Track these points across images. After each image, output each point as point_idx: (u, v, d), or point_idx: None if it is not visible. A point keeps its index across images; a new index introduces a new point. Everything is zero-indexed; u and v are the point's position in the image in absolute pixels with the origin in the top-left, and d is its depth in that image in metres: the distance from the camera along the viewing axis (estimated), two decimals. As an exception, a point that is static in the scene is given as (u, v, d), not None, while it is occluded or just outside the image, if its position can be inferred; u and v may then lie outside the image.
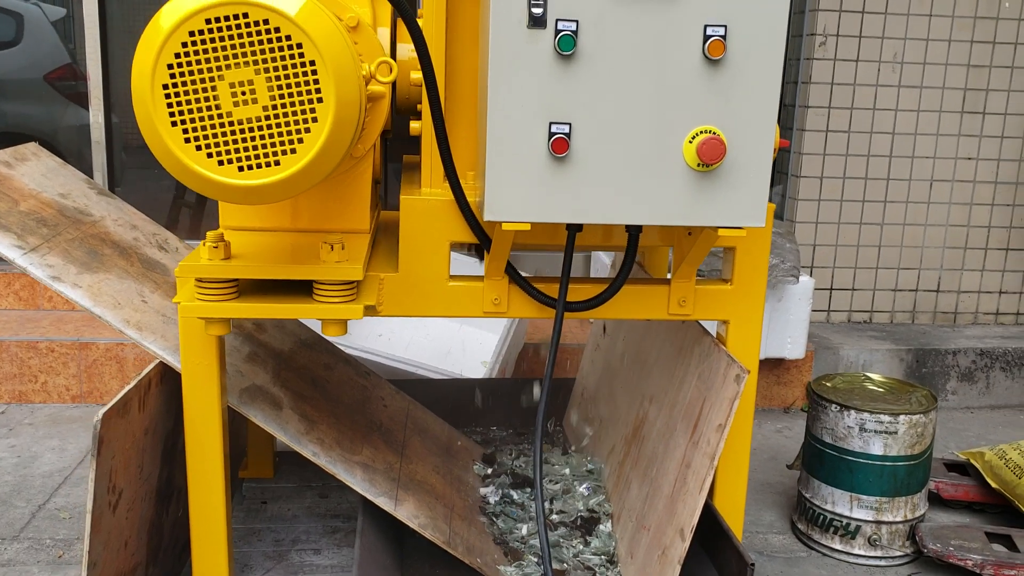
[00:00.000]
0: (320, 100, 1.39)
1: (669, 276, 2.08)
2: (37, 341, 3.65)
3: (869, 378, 2.96)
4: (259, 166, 1.41)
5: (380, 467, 2.28)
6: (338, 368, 2.63)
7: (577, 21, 1.63)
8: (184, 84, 1.37)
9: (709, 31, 1.65)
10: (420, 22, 1.95)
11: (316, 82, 1.39)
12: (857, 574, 2.69)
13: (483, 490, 2.59)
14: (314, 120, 1.40)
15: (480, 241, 1.97)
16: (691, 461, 2.04)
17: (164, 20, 1.36)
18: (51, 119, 5.54)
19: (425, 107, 1.96)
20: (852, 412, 2.69)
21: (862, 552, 2.74)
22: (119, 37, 4.77)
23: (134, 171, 4.71)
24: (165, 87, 1.37)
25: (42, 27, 5.91)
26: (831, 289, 4.26)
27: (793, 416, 3.88)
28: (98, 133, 4.48)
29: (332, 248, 1.72)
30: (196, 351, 1.93)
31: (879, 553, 2.73)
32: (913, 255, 4.27)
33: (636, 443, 2.45)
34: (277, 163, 1.41)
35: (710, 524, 2.09)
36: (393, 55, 2.11)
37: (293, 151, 1.41)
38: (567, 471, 2.72)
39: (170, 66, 1.36)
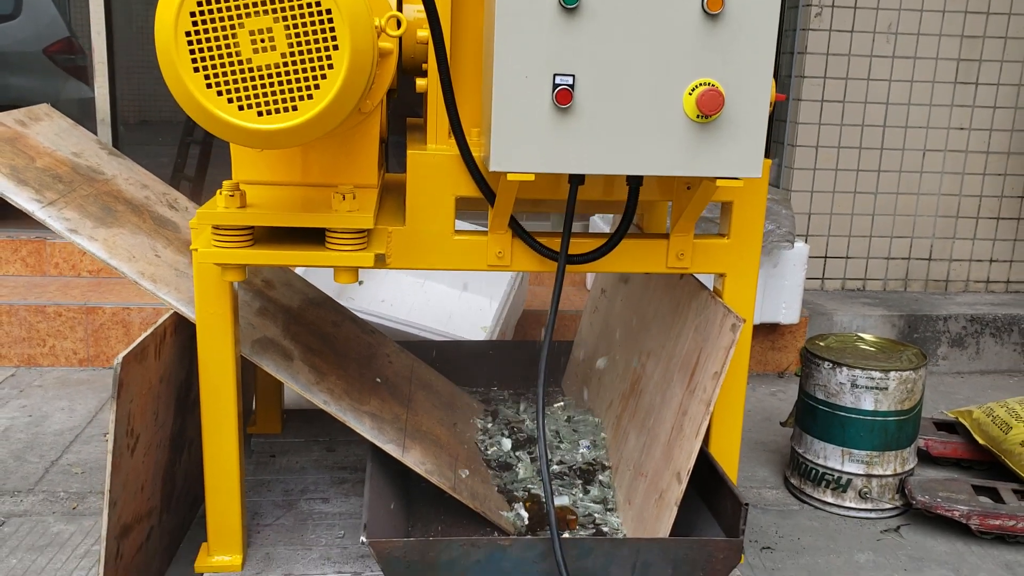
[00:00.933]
0: (336, 48, 1.45)
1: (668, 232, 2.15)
2: (45, 305, 3.71)
3: (862, 338, 3.04)
4: (277, 111, 1.47)
5: (387, 417, 2.35)
6: (345, 325, 2.70)
7: (581, -24, 1.69)
8: (206, 32, 1.43)
9: (707, -14, 1.71)
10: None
11: (332, 30, 1.45)
12: (848, 525, 2.78)
13: (485, 441, 2.66)
14: (330, 67, 1.46)
15: (484, 195, 2.03)
16: (687, 409, 2.12)
17: (185, -30, 1.42)
18: (50, 93, 5.57)
19: (431, 64, 2.02)
20: (844, 368, 2.77)
21: (853, 505, 2.83)
22: (123, 9, 4.80)
23: (131, 147, 4.74)
24: (188, 34, 1.43)
25: (41, 0, 5.93)
26: (825, 257, 4.34)
27: (787, 380, 3.96)
28: (103, 105, 4.51)
29: (344, 198, 1.78)
30: (211, 300, 1.99)
31: (869, 506, 2.82)
32: (906, 223, 4.35)
33: (634, 397, 2.52)
34: (295, 108, 1.47)
35: (706, 472, 2.16)
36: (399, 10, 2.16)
37: (310, 96, 1.47)
38: (567, 426, 2.80)
39: (192, 14, 1.42)
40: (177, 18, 1.42)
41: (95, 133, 4.39)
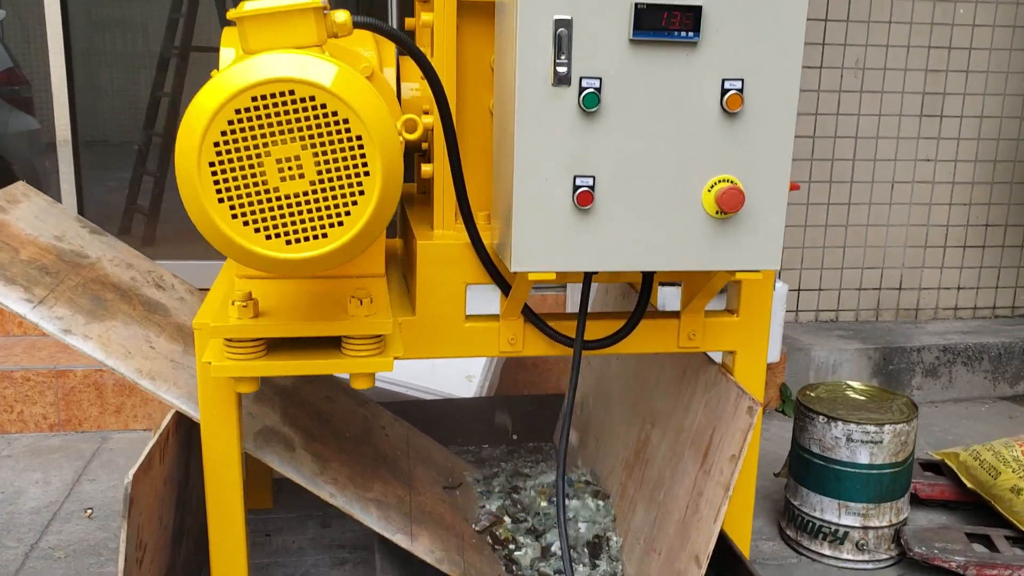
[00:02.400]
0: (367, 173, 1.41)
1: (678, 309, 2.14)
2: (12, 371, 3.58)
3: (850, 386, 3.07)
4: (306, 239, 1.42)
5: (392, 502, 2.30)
6: (339, 400, 2.64)
7: (600, 78, 1.67)
8: (231, 161, 1.37)
9: (727, 85, 1.70)
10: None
11: (363, 156, 1.40)
12: (844, 577, 2.81)
13: (487, 511, 2.63)
14: (361, 193, 1.41)
15: (497, 284, 2.00)
16: (703, 489, 2.11)
17: (209, 98, 1.36)
18: (-6, 126, 5.38)
19: (439, 150, 1.98)
20: (839, 423, 2.79)
21: (850, 556, 2.85)
22: (81, 30, 4.64)
23: (89, 170, 4.60)
24: (211, 164, 1.37)
25: (-17, 32, 5.74)
26: (799, 290, 4.38)
27: (769, 416, 3.99)
28: (63, 126, 4.26)
29: (361, 302, 1.74)
30: (215, 402, 1.93)
31: (866, 557, 2.84)
32: (876, 254, 4.41)
33: (639, 465, 2.51)
34: (324, 236, 1.42)
35: (721, 549, 2.15)
36: (398, 94, 2.12)
37: (340, 223, 1.42)
38: (569, 490, 2.78)
39: (216, 144, 1.36)
40: (200, 148, 1.36)
41: (56, 156, 4.21)
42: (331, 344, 1.79)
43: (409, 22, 2.52)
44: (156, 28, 5.52)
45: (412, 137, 1.68)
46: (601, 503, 2.65)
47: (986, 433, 3.84)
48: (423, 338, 2.02)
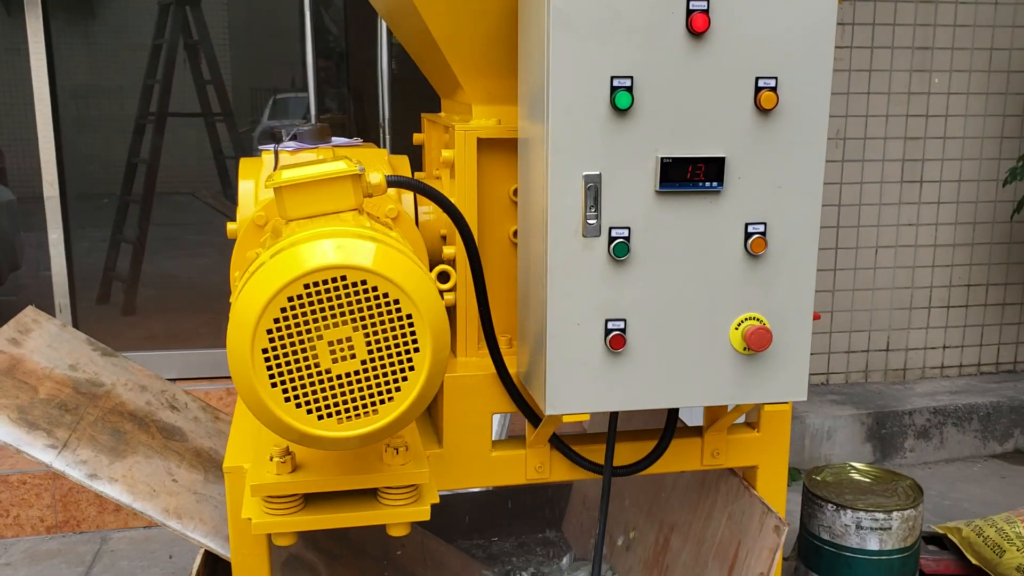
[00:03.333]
0: (417, 349, 1.43)
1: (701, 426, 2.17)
2: (7, 475, 3.52)
3: (854, 467, 3.11)
4: (357, 416, 1.43)
5: (418, 621, 2.30)
6: (356, 511, 2.63)
7: (629, 228, 1.71)
8: (283, 347, 1.38)
9: (751, 229, 1.75)
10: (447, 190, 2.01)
11: (413, 333, 1.42)
12: (861, 663, 2.83)
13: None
14: (411, 368, 1.43)
15: (524, 414, 2.02)
16: (730, 603, 2.13)
17: (262, 288, 1.37)
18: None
19: (461, 279, 2.01)
20: (848, 511, 2.83)
21: (864, 641, 2.88)
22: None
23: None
24: (264, 351, 1.38)
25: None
26: (791, 356, 4.43)
27: (768, 487, 4.02)
28: (51, 191, 4.16)
29: (397, 451, 1.75)
30: (247, 544, 1.92)
31: (880, 641, 2.87)
32: (863, 318, 4.49)
33: (659, 570, 2.53)
34: (375, 411, 1.44)
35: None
36: (415, 218, 2.15)
37: (391, 399, 1.44)
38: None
39: (269, 331, 1.38)
40: (254, 336, 1.37)
41: (43, 206, 4.09)
42: (367, 493, 1.80)
43: (417, 137, 2.56)
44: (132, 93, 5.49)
45: (446, 287, 1.70)
46: (620, 605, 2.66)
47: (981, 495, 3.91)
48: (451, 469, 2.03)
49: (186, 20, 5.23)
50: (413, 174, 2.22)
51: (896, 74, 4.29)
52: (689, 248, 1.74)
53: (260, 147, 2.20)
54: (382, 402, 1.44)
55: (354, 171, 1.60)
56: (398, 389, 1.44)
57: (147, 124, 5.21)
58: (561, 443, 2.06)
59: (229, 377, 3.89)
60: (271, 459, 1.72)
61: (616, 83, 1.65)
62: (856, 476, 3.07)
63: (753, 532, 2.11)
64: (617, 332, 1.74)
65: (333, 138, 2.24)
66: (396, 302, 1.41)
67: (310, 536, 2.33)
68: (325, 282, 1.39)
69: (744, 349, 1.79)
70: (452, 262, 2.06)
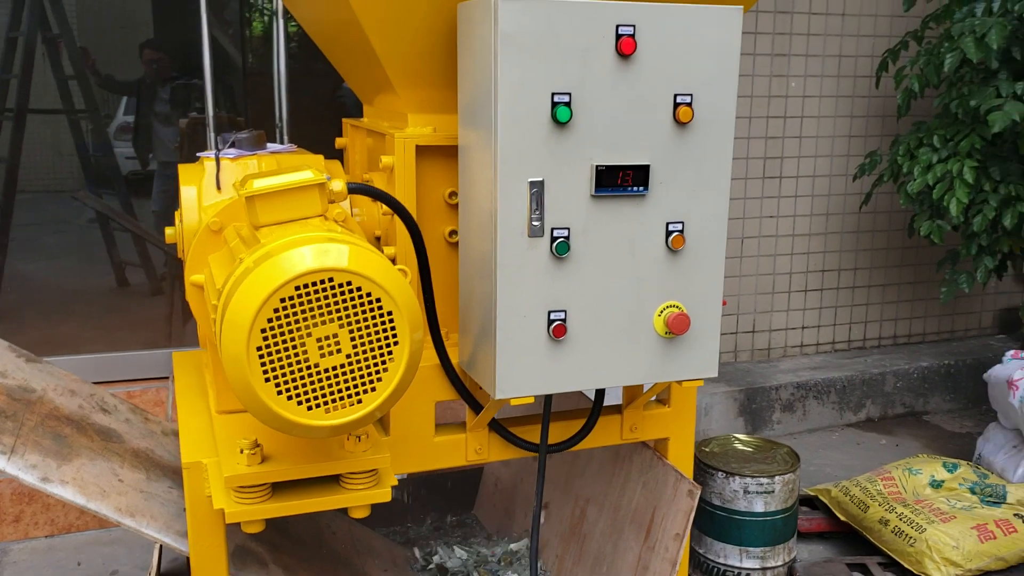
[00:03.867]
0: (396, 343, 1.57)
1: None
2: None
3: (737, 439, 3.43)
4: (344, 406, 1.56)
5: (360, 602, 2.43)
6: (287, 502, 2.73)
7: (568, 228, 1.90)
8: (276, 345, 1.50)
9: (671, 227, 1.98)
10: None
11: (393, 328, 1.56)
12: (750, 614, 3.15)
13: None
14: (391, 360, 1.58)
15: (467, 403, 2.18)
16: (648, 564, 2.37)
17: (256, 289, 1.48)
18: None
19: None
20: (737, 478, 3.14)
21: (752, 595, 3.20)
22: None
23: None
24: (259, 349, 1.49)
25: None
26: (670, 341, 4.76)
27: (654, 463, 4.33)
28: None
29: (359, 439, 1.88)
30: (206, 536, 2.01)
31: (766, 594, 3.20)
32: (731, 303, 4.87)
33: (576, 540, 2.75)
34: (359, 401, 1.57)
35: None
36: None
37: (373, 389, 1.58)
38: (499, 557, 2.98)
39: (263, 331, 1.49)
40: (249, 335, 1.48)
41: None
42: (330, 479, 1.92)
43: (339, 141, 2.68)
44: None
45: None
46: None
47: (840, 460, 4.34)
48: (397, 455, 2.17)
49: (43, 13, 5.05)
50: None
51: (757, 79, 4.66)
52: (619, 245, 1.95)
53: (199, 154, 2.27)
54: (365, 392, 1.58)
55: (321, 180, 1.73)
56: (380, 379, 1.58)
57: (3, 121, 5.01)
58: (500, 426, 2.24)
59: (129, 380, 3.87)
60: (241, 452, 1.83)
61: (556, 99, 1.84)
62: (739, 446, 3.39)
63: (668, 497, 2.35)
64: (559, 322, 1.93)
65: (268, 144, 2.33)
66: (378, 300, 1.55)
67: (251, 528, 2.41)
68: (314, 284, 1.51)
69: (666, 333, 2.02)
70: (392, 260, 2.20)
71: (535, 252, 1.90)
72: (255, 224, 1.70)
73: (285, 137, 3.89)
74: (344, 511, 2.94)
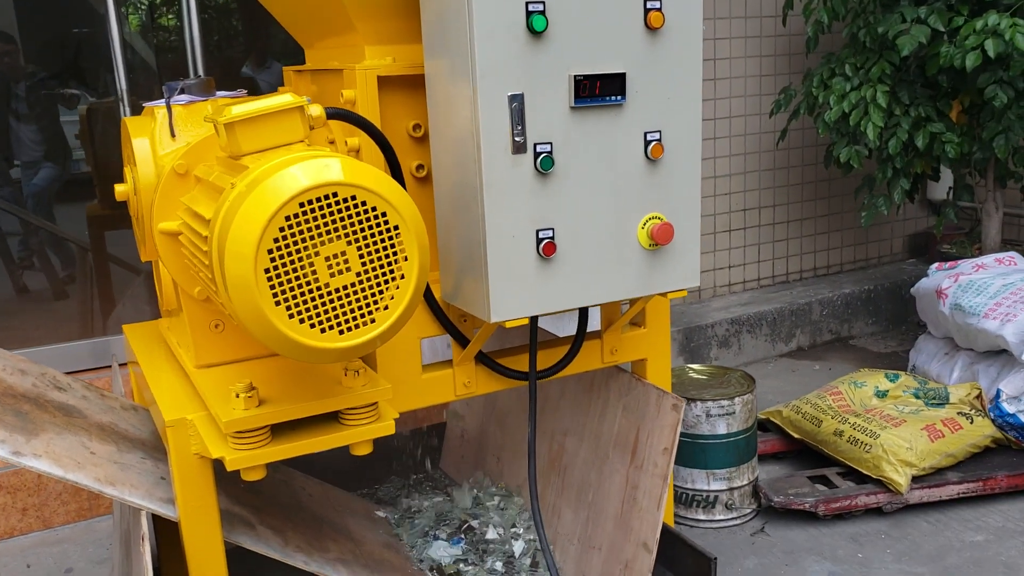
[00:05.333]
0: (406, 258, 1.53)
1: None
2: None
3: (692, 368, 3.50)
4: (356, 327, 1.51)
5: (350, 558, 2.38)
6: (259, 468, 2.64)
7: (551, 143, 1.89)
8: (284, 265, 1.44)
9: (649, 137, 1.98)
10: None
11: (400, 244, 1.52)
12: (721, 536, 3.22)
13: (417, 547, 2.75)
14: (402, 277, 1.53)
15: (453, 336, 2.15)
16: (638, 483, 2.39)
17: (259, 209, 1.41)
18: None
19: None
20: (698, 403, 3.19)
21: (721, 517, 3.27)
22: None
23: None
24: (267, 271, 1.42)
25: None
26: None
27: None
28: None
29: (358, 374, 1.83)
30: (196, 496, 1.93)
31: (734, 514, 3.28)
32: (663, 247, 4.94)
33: (556, 473, 2.75)
34: (373, 321, 1.52)
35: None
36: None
37: (386, 308, 1.53)
38: (475, 507, 2.95)
39: (270, 251, 1.42)
40: (256, 259, 1.42)
41: None
42: (328, 417, 1.86)
43: (281, 91, 2.58)
44: None
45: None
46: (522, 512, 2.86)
47: (778, 387, 4.47)
48: (385, 395, 2.12)
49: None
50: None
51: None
52: (601, 158, 1.95)
53: (145, 104, 2.15)
54: (378, 310, 1.53)
55: (301, 102, 1.66)
56: (392, 297, 1.54)
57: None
58: (487, 358, 2.21)
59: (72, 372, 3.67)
60: (237, 396, 1.75)
61: (531, 8, 1.81)
62: (694, 375, 3.45)
63: (651, 415, 2.37)
64: (548, 240, 1.91)
65: (218, 92, 2.23)
66: (383, 215, 1.51)
67: (231, 492, 2.33)
68: (319, 199, 1.46)
69: (651, 245, 2.03)
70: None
71: (520, 169, 1.87)
72: (236, 153, 1.62)
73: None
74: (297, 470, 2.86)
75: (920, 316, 4.08)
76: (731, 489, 3.25)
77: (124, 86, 3.59)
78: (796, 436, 3.59)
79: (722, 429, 3.20)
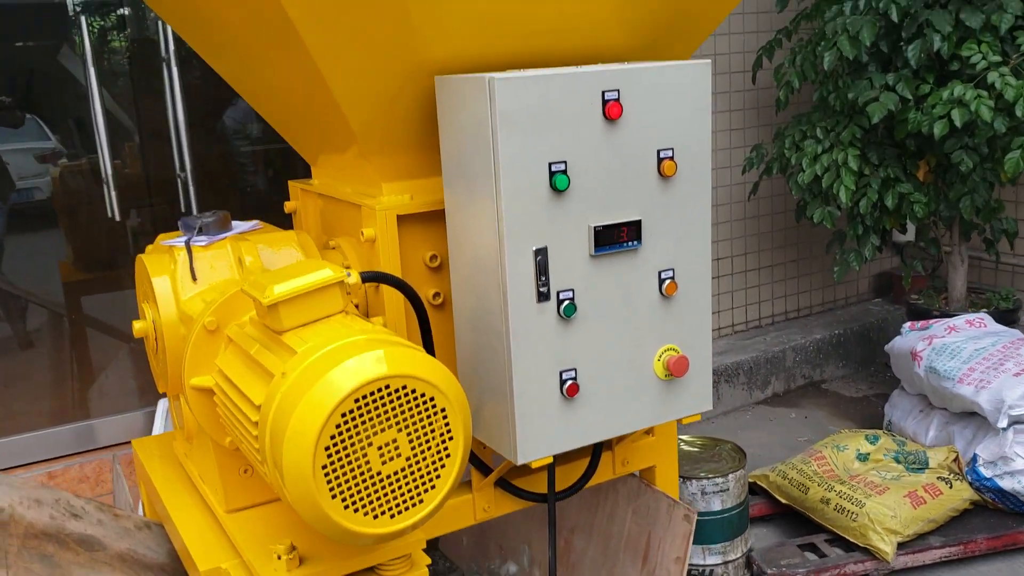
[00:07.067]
0: (451, 438, 1.58)
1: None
2: None
3: (682, 440, 3.59)
4: (406, 509, 1.56)
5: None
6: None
7: (573, 289, 1.95)
8: (340, 460, 1.48)
9: (663, 275, 2.06)
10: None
11: (447, 425, 1.57)
12: (717, 606, 3.31)
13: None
14: (447, 455, 1.58)
15: (474, 465, 2.20)
16: (650, 587, 2.47)
17: (317, 408, 1.45)
18: None
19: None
20: (694, 481, 3.28)
21: (716, 588, 3.37)
22: None
23: None
24: (324, 467, 1.47)
25: None
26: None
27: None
28: None
29: (392, 523, 1.87)
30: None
31: (729, 585, 3.38)
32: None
33: (564, 570, 2.81)
34: (421, 501, 1.57)
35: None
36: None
37: (433, 487, 1.58)
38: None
39: (327, 448, 1.46)
40: (314, 456, 1.46)
41: None
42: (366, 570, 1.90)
43: (289, 205, 2.62)
44: None
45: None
46: (529, 607, 2.92)
47: (758, 439, 4.59)
48: (409, 524, 2.17)
49: None
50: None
51: None
52: (618, 298, 2.01)
53: (164, 242, 2.17)
54: (426, 491, 1.58)
55: (342, 276, 1.70)
56: (439, 476, 1.59)
57: None
58: (506, 482, 2.27)
59: (46, 460, 3.64)
60: (279, 558, 1.79)
61: (554, 168, 1.87)
62: (685, 447, 3.54)
63: (663, 523, 2.45)
64: (571, 381, 1.98)
65: (234, 223, 2.26)
66: (432, 399, 1.56)
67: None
68: (372, 393, 1.50)
69: (666, 376, 2.10)
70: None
71: (543, 316, 1.93)
72: (277, 329, 1.66)
73: (192, 188, 3.74)
74: None
75: (894, 372, 4.23)
76: (726, 563, 3.35)
77: (106, 152, 3.56)
78: (784, 502, 3.70)
79: (716, 505, 3.30)
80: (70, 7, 3.81)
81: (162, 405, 3.43)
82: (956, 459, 3.64)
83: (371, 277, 1.81)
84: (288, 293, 1.64)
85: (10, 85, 3.82)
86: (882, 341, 4.78)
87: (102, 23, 4.00)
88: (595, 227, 1.94)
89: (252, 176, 4.39)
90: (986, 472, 3.50)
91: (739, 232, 5.29)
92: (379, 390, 1.50)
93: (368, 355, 1.52)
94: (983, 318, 4.01)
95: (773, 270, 5.48)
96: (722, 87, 5.03)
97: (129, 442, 3.81)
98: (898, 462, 3.69)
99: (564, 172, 1.88)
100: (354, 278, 1.76)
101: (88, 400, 4.04)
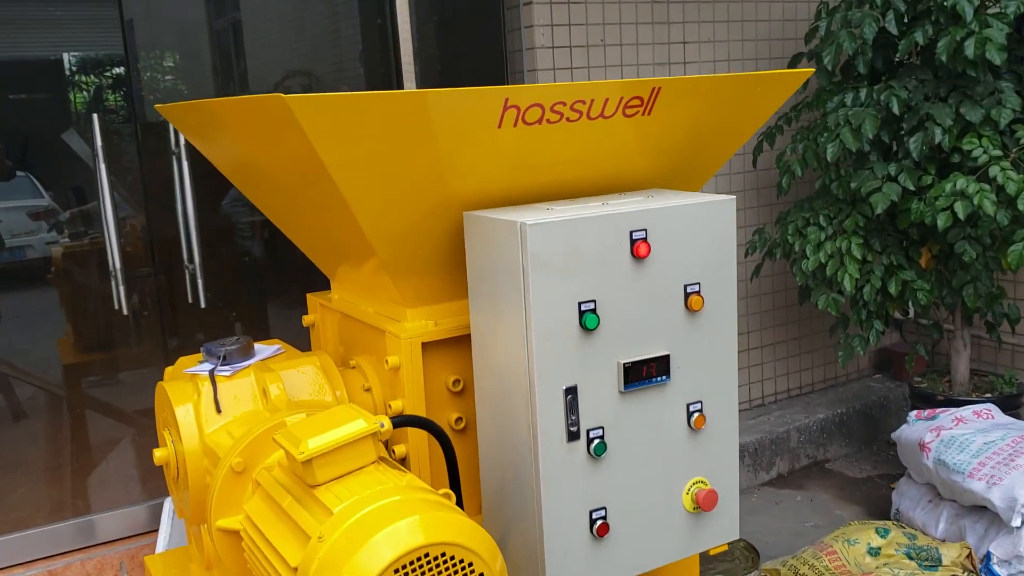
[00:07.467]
0: (488, 597, 1.56)
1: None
2: None
3: (694, 537, 3.55)
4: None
5: None
6: None
7: (603, 427, 1.94)
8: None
9: (691, 408, 2.05)
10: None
11: (483, 585, 1.55)
12: None
13: None
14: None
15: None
16: None
17: (357, 580, 1.43)
18: None
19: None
20: (708, 583, 3.25)
21: None
22: None
23: None
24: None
25: None
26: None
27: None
28: None
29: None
30: None
31: None
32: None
33: None
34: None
35: None
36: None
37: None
38: None
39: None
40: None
41: None
42: None
43: (307, 319, 2.61)
44: None
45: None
46: None
47: (766, 524, 4.56)
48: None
49: None
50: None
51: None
52: (648, 434, 2.01)
53: (186, 370, 2.16)
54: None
55: (375, 427, 1.69)
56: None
57: None
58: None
59: (48, 557, 3.58)
60: None
61: (583, 307, 1.88)
62: (698, 545, 3.51)
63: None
64: (601, 521, 1.96)
65: (256, 346, 2.25)
66: (470, 565, 1.54)
67: None
68: (412, 562, 1.48)
69: (695, 509, 2.09)
70: (403, 460, 2.17)
71: (574, 456, 1.92)
72: (312, 483, 1.64)
73: (200, 283, 3.73)
74: None
75: (901, 460, 4.22)
76: (741, 665, 3.30)
77: (115, 245, 3.56)
78: (796, 598, 3.66)
79: (731, 608, 3.26)
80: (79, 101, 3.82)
81: (168, 505, 3.39)
82: (969, 555, 3.62)
83: (403, 422, 1.80)
84: (322, 448, 1.62)
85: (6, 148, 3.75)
86: (884, 419, 4.77)
87: (113, 117, 4.02)
88: (624, 363, 1.94)
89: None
90: (1001, 571, 3.47)
91: (741, 311, 5.30)
92: (419, 559, 1.48)
93: (404, 523, 1.50)
94: (990, 409, 4.02)
95: (776, 348, 5.49)
96: (723, 169, 5.08)
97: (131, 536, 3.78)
98: (910, 558, 3.66)
99: (594, 311, 1.88)
100: (387, 426, 1.74)
101: (85, 486, 3.97)
